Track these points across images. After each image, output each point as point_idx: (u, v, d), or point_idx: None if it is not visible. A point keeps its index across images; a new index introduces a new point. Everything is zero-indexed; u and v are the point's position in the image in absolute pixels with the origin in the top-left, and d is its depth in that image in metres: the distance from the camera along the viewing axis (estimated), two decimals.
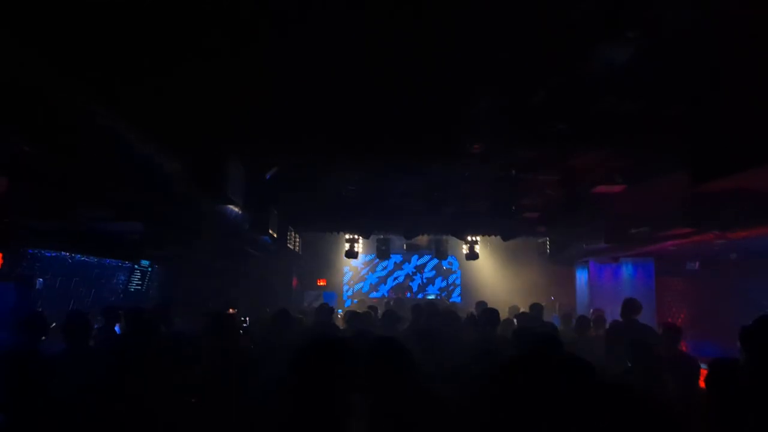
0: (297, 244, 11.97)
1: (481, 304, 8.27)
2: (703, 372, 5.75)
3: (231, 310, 7.26)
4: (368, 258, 16.54)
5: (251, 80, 4.34)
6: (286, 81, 4.39)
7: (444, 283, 17.00)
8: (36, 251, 7.33)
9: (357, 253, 14.04)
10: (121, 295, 9.50)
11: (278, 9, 3.34)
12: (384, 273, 17.12)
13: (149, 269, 10.37)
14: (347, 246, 13.55)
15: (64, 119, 3.31)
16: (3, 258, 6.70)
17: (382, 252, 13.62)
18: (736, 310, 9.88)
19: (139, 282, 10.15)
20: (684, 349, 10.29)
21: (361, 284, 17.13)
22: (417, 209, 9.99)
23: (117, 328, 6.66)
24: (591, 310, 10.13)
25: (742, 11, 3.15)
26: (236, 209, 6.61)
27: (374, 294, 16.64)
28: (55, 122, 3.25)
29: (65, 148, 3.51)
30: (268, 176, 7.28)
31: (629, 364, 5.57)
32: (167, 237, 7.85)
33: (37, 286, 7.40)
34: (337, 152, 6.40)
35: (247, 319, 7.04)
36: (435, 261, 16.26)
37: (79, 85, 3.33)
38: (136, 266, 9.88)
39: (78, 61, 3.38)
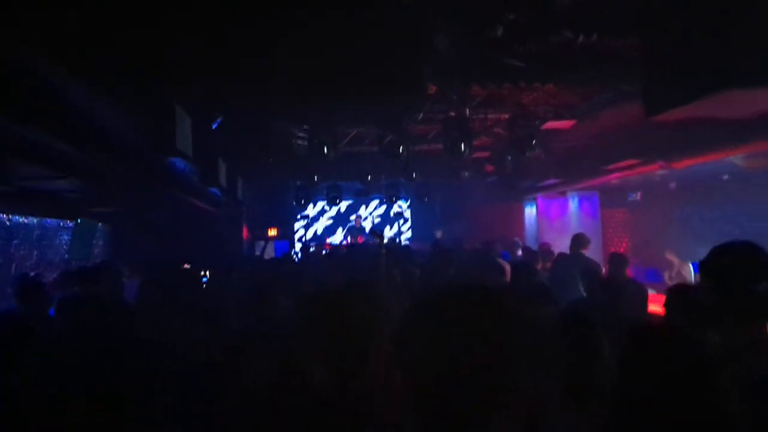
0: (246, 194, 11.72)
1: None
2: (653, 297, 6.06)
3: (186, 266, 7.11)
4: (319, 204, 16.49)
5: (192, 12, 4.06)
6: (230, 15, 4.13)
7: (395, 226, 17.15)
8: None
9: (307, 199, 13.89)
10: (66, 256, 9.12)
11: None
12: (335, 218, 17.14)
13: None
14: (297, 193, 13.39)
15: None
16: None
17: (332, 198, 13.60)
18: (676, 237, 10.41)
19: None
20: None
21: (313, 230, 17.12)
22: (368, 154, 9.93)
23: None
24: (538, 244, 10.45)
25: None
26: (184, 161, 6.35)
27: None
28: None
29: None
30: (214, 125, 7.00)
31: (584, 294, 5.81)
32: (111, 193, 7.50)
33: None
34: (286, 96, 6.18)
35: (207, 272, 6.91)
36: (385, 204, 16.34)
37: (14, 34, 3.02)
38: None
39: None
